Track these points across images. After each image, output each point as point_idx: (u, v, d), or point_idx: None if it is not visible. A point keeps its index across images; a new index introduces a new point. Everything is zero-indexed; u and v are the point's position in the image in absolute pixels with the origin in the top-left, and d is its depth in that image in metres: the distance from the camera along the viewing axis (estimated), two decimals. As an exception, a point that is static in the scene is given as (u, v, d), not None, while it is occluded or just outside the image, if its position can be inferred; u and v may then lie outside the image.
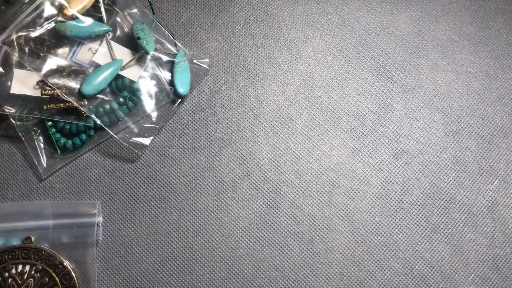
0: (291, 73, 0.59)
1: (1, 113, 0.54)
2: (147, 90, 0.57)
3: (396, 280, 0.52)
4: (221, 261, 0.52)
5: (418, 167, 0.56)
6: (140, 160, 0.55)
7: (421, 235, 0.53)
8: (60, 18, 0.56)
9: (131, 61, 0.57)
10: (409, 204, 0.54)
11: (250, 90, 0.58)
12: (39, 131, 0.55)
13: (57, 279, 0.49)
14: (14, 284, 0.49)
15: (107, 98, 0.56)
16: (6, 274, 0.49)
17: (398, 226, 0.54)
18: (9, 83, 0.55)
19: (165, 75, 0.58)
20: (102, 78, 0.55)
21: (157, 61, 0.58)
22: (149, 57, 0.57)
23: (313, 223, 0.54)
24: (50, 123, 0.55)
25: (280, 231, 0.53)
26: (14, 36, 0.54)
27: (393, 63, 0.60)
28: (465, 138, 0.57)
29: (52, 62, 0.55)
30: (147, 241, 0.53)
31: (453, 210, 0.54)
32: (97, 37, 0.57)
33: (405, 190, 0.55)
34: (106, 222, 0.53)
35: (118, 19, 0.59)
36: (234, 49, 0.60)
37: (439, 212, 0.54)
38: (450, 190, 0.55)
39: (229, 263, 0.52)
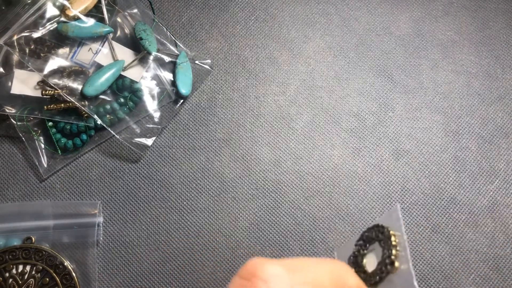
0: (292, 73, 0.59)
1: (1, 113, 0.54)
2: (149, 90, 0.57)
3: (396, 280, 0.52)
4: (221, 261, 0.52)
5: (419, 167, 0.56)
6: (140, 160, 0.55)
7: (421, 235, 0.53)
8: (62, 19, 0.56)
9: (133, 61, 0.57)
10: (409, 204, 0.54)
11: (250, 90, 0.58)
12: (39, 131, 0.55)
13: (57, 279, 0.49)
14: (14, 284, 0.49)
15: (108, 99, 0.56)
16: (7, 274, 0.49)
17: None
18: (10, 83, 0.55)
19: (167, 75, 0.58)
20: (104, 79, 0.55)
21: (158, 61, 0.58)
22: (151, 57, 0.57)
23: (313, 223, 0.54)
24: (50, 123, 0.55)
25: (281, 231, 0.53)
26: (15, 37, 0.54)
27: (393, 63, 0.60)
28: (465, 138, 0.57)
29: (52, 63, 0.55)
30: (148, 241, 0.53)
31: (453, 210, 0.54)
32: (99, 37, 0.57)
33: (406, 190, 0.55)
34: (107, 222, 0.53)
35: (119, 19, 0.59)
36: (235, 49, 0.60)
37: (440, 212, 0.54)
38: (450, 190, 0.55)
39: (230, 263, 0.52)
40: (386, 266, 0.32)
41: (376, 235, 0.34)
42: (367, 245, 0.35)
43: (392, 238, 0.32)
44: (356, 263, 0.35)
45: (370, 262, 0.34)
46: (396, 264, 0.31)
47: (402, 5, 0.63)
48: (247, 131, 0.57)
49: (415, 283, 0.29)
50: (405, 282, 0.30)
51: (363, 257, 0.35)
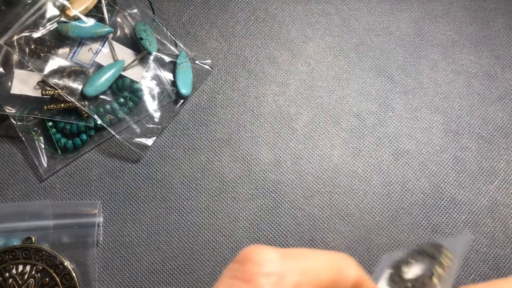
0: (292, 73, 0.59)
1: (1, 113, 0.54)
2: (149, 90, 0.57)
3: (396, 280, 0.52)
4: (221, 261, 0.52)
5: (419, 167, 0.56)
6: (140, 160, 0.55)
7: (421, 235, 0.53)
8: (62, 19, 0.56)
9: (133, 61, 0.57)
10: (409, 204, 0.54)
11: (250, 90, 0.59)
12: (39, 131, 0.55)
13: (57, 279, 0.49)
14: (14, 284, 0.49)
15: (108, 99, 0.56)
16: (7, 274, 0.49)
17: (398, 226, 0.54)
18: (10, 83, 0.55)
19: (167, 75, 0.58)
20: (104, 79, 0.55)
21: (159, 61, 0.58)
22: (151, 57, 0.57)
23: (313, 223, 0.54)
24: (50, 123, 0.55)
25: (281, 231, 0.53)
26: (15, 37, 0.54)
27: (393, 63, 0.60)
28: (465, 138, 0.57)
29: (52, 63, 0.55)
30: (148, 241, 0.53)
31: (453, 210, 0.54)
32: (99, 37, 0.57)
33: (406, 190, 0.55)
34: (107, 222, 0.53)
35: (119, 19, 0.59)
36: (235, 49, 0.60)
37: (440, 212, 0.54)
38: (450, 190, 0.55)
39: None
40: (423, 277, 0.30)
41: (430, 250, 0.32)
42: (418, 257, 0.33)
43: (443, 257, 0.30)
44: (396, 266, 0.33)
45: (411, 271, 0.32)
46: (435, 280, 0.30)
47: (402, 5, 0.63)
48: (247, 131, 0.57)
49: None
50: None
51: (407, 264, 0.33)
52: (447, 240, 0.33)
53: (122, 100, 0.56)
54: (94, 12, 0.58)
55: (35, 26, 0.55)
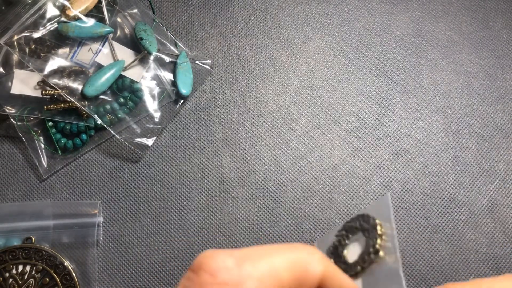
0: (292, 73, 0.59)
1: (1, 114, 0.54)
2: (149, 90, 0.57)
3: (396, 280, 0.52)
4: (221, 261, 0.52)
5: (419, 167, 0.56)
6: (140, 160, 0.55)
7: (421, 235, 0.53)
8: (62, 19, 0.56)
9: (133, 61, 0.57)
10: (409, 204, 0.54)
11: (250, 90, 0.59)
12: (39, 131, 0.55)
13: (57, 279, 0.49)
14: (14, 284, 0.49)
15: (108, 99, 0.56)
16: (7, 274, 0.49)
17: (398, 226, 0.54)
18: (10, 83, 0.55)
19: (167, 75, 0.58)
20: (104, 79, 0.55)
21: (159, 61, 0.58)
22: (151, 57, 0.57)
23: (313, 224, 0.54)
24: (50, 123, 0.55)
25: (281, 231, 0.53)
26: (15, 37, 0.54)
27: (393, 63, 0.60)
28: (465, 138, 0.57)
29: (52, 63, 0.55)
30: (148, 241, 0.53)
31: (453, 210, 0.54)
32: (99, 37, 0.57)
33: (406, 190, 0.55)
34: (107, 222, 0.53)
35: (119, 19, 0.59)
36: (235, 49, 0.60)
37: (440, 212, 0.54)
38: (450, 190, 0.55)
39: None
40: (369, 255, 0.29)
41: (360, 225, 0.31)
42: (350, 235, 0.32)
43: (378, 228, 0.29)
44: (335, 253, 0.32)
45: (352, 253, 0.31)
46: (381, 253, 0.29)
47: (402, 5, 0.63)
48: (247, 131, 0.57)
49: (401, 273, 0.27)
50: (390, 273, 0.28)
51: (344, 247, 0.32)
52: (369, 209, 0.31)
53: (122, 100, 0.56)
54: (94, 12, 0.58)
55: (35, 26, 0.55)
